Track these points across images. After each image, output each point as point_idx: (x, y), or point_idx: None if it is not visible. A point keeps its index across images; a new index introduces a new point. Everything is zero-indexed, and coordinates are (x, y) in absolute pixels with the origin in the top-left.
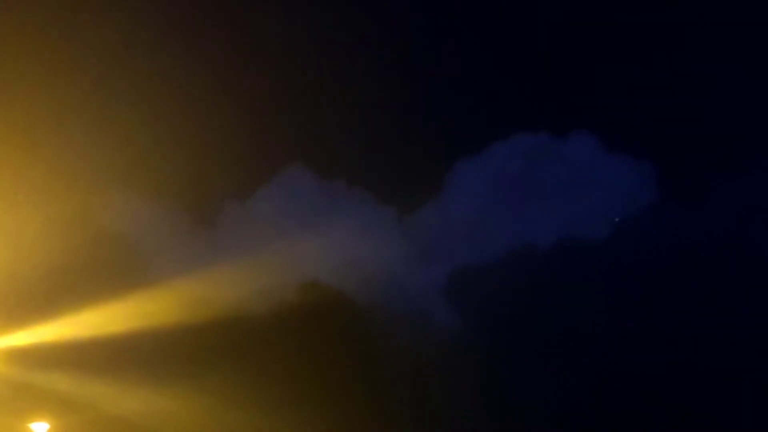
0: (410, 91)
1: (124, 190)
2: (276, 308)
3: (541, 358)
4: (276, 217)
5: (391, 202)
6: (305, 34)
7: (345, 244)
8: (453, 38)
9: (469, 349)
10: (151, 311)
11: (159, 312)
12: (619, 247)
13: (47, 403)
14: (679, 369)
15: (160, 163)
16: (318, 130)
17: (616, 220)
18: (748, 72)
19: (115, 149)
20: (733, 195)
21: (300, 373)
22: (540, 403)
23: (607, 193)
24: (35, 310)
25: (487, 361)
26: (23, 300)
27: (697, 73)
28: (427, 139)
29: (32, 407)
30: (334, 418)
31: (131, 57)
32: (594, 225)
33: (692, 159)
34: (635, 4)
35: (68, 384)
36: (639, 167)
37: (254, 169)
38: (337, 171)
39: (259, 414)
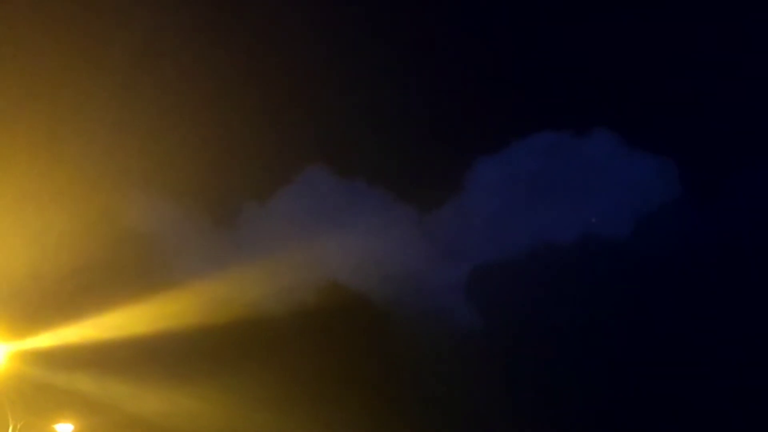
0: (430, 89)
1: (146, 190)
2: (296, 308)
3: (563, 357)
4: (297, 217)
5: (411, 200)
6: (326, 35)
7: (365, 244)
8: (473, 36)
9: (490, 348)
10: (173, 312)
11: (180, 312)
12: (641, 244)
13: (71, 404)
14: (705, 368)
15: (181, 164)
16: (338, 130)
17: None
18: None
19: (138, 150)
20: (756, 191)
21: (321, 373)
22: (563, 403)
23: (628, 190)
24: (59, 311)
25: (509, 360)
26: (47, 301)
27: (718, 68)
28: (447, 137)
29: (57, 408)
30: (354, 418)
31: (153, 59)
32: (615, 222)
33: (714, 155)
34: (655, 1)
35: (92, 385)
36: (660, 164)
37: (275, 170)
38: (357, 171)
39: (280, 413)
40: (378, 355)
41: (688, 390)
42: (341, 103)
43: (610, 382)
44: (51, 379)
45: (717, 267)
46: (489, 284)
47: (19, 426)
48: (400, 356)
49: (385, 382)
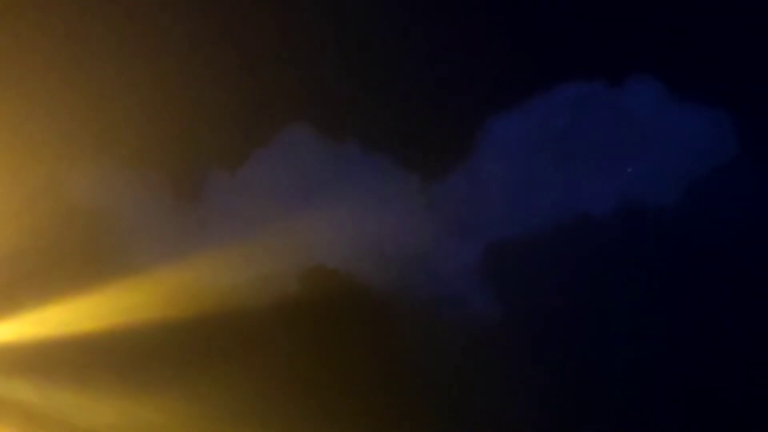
0: (435, 32)
1: (95, 159)
2: (278, 299)
3: (597, 348)
4: (275, 188)
5: (414, 167)
6: None
7: (359, 220)
8: None
9: (510, 341)
10: (129, 304)
11: (138, 305)
12: (691, 214)
13: (8, 416)
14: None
15: (136, 128)
16: (324, 82)
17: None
18: None
19: (86, 112)
20: None
21: (310, 375)
22: (594, 401)
23: (674, 150)
24: None
25: (533, 354)
26: None
27: None
28: (456, 90)
29: None
30: (351, 427)
31: (106, 10)
32: (660, 188)
33: None
34: None
35: (32, 393)
36: (713, 117)
37: (247, 130)
38: (348, 131)
39: (261, 426)
40: (378, 353)
41: (745, 381)
42: (329, 49)
43: (652, 375)
44: None
45: None
46: (508, 265)
47: None
48: (404, 353)
49: (387, 383)
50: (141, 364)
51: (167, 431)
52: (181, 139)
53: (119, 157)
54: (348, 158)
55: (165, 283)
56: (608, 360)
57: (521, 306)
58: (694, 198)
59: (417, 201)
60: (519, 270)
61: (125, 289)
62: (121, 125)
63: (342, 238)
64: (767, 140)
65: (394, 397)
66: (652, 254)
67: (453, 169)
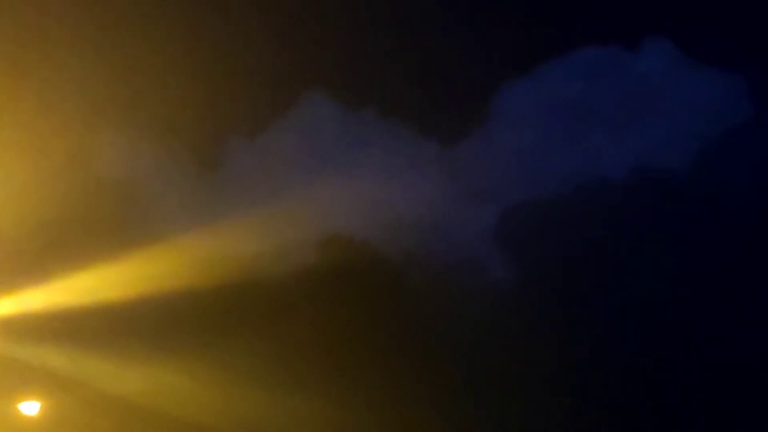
0: (450, 1)
1: (121, 129)
2: (297, 267)
3: (615, 315)
4: (294, 155)
5: (430, 133)
6: None
7: (376, 187)
8: None
9: (527, 306)
10: (154, 273)
11: (163, 273)
12: (706, 177)
13: (37, 381)
14: None
15: (160, 97)
16: (341, 51)
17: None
18: None
19: (111, 84)
20: None
21: (328, 342)
22: (611, 366)
23: (689, 113)
24: (22, 272)
25: (550, 320)
26: (7, 261)
27: None
28: (472, 57)
29: (21, 385)
30: (367, 393)
31: None
32: (675, 152)
33: None
34: None
35: (61, 358)
36: (728, 80)
37: (266, 99)
38: (365, 99)
39: (281, 390)
40: (394, 319)
41: (753, 353)
42: (346, 18)
43: (668, 343)
44: (14, 353)
45: None
46: (523, 229)
47: None
48: (419, 319)
49: (403, 349)
50: (165, 331)
51: (192, 395)
52: (202, 110)
53: (143, 128)
54: (365, 126)
55: (189, 251)
56: (624, 322)
57: (538, 270)
58: (710, 160)
59: (434, 168)
60: (536, 234)
61: (150, 258)
62: (144, 97)
63: (360, 205)
64: None
65: (412, 361)
66: (669, 216)
67: (469, 136)
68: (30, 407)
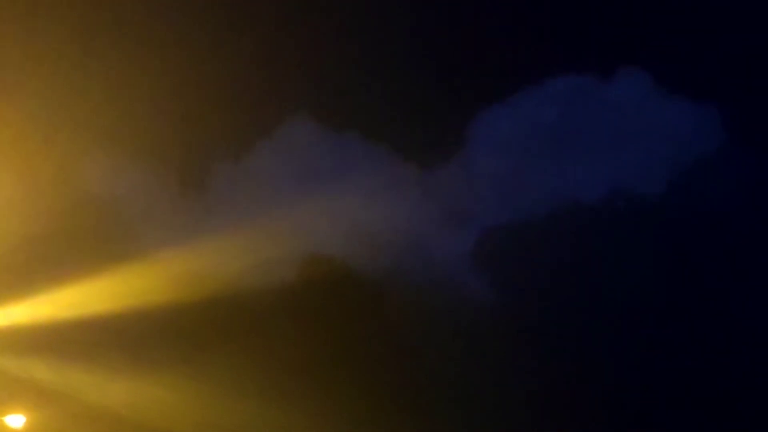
0: (431, 27)
1: (107, 149)
2: (279, 283)
3: (588, 332)
4: (277, 177)
5: (411, 157)
6: None
7: (358, 209)
8: None
9: (503, 324)
10: (138, 288)
11: (147, 288)
12: (678, 202)
13: (23, 394)
14: (751, 341)
15: (146, 118)
16: (324, 76)
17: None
18: None
19: (98, 104)
20: None
21: (310, 356)
22: (585, 384)
23: (662, 140)
24: (7, 287)
25: (526, 338)
26: None
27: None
28: (452, 83)
29: (6, 398)
30: (348, 405)
31: (114, 1)
32: (647, 177)
33: (762, 99)
34: None
35: (46, 371)
36: (699, 109)
37: (251, 123)
38: (347, 122)
39: (265, 403)
40: (374, 335)
41: (726, 370)
42: (330, 44)
43: (643, 362)
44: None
45: (766, 227)
46: (500, 249)
47: None
48: (399, 336)
49: (383, 364)
50: (149, 345)
51: (176, 407)
52: (187, 131)
53: (129, 148)
54: (347, 149)
55: (173, 268)
56: (598, 342)
57: (513, 290)
58: (681, 185)
59: (413, 190)
60: (511, 256)
61: (134, 274)
62: (130, 117)
63: (341, 226)
64: (750, 132)
65: (389, 377)
66: (640, 240)
67: (448, 159)
68: (15, 420)
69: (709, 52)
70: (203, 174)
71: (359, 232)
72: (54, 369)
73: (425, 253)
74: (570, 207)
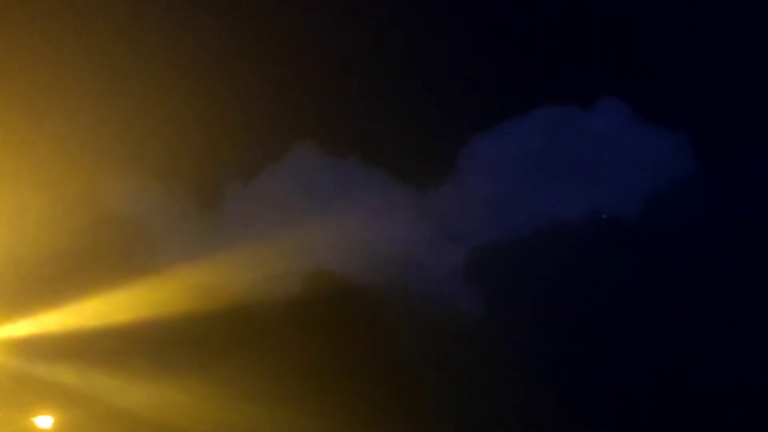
0: (425, 61)
1: (128, 171)
2: (285, 297)
3: (572, 344)
4: (284, 198)
5: (408, 180)
6: (314, 6)
7: (358, 228)
8: (468, 4)
9: (493, 336)
10: (158, 299)
11: (165, 300)
12: (653, 222)
13: (51, 396)
14: (721, 354)
15: (164, 143)
16: (328, 106)
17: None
18: None
19: (120, 129)
20: None
21: (314, 364)
22: (571, 394)
23: (638, 166)
24: (37, 297)
25: (514, 348)
26: (25, 287)
27: (736, 36)
28: (445, 112)
29: (35, 400)
30: (350, 410)
31: (137, 34)
32: (625, 200)
33: (733, 127)
34: None
35: (73, 376)
36: (673, 138)
37: (260, 148)
38: (348, 148)
39: (273, 406)
40: (373, 345)
41: (704, 381)
42: (332, 77)
43: (623, 371)
44: (29, 370)
45: (735, 248)
46: (490, 266)
47: None
48: (396, 344)
49: (382, 373)
50: (168, 351)
51: (193, 409)
52: (203, 156)
53: (150, 170)
54: (349, 173)
55: (189, 281)
56: (580, 351)
57: (504, 303)
58: (656, 208)
59: (410, 211)
60: (500, 271)
61: (153, 286)
62: (152, 142)
63: (343, 244)
64: (721, 158)
65: (388, 384)
66: (618, 257)
67: (442, 183)
68: (44, 421)
69: (683, 84)
70: (217, 195)
71: (360, 250)
72: (80, 374)
73: (421, 268)
74: (554, 227)
